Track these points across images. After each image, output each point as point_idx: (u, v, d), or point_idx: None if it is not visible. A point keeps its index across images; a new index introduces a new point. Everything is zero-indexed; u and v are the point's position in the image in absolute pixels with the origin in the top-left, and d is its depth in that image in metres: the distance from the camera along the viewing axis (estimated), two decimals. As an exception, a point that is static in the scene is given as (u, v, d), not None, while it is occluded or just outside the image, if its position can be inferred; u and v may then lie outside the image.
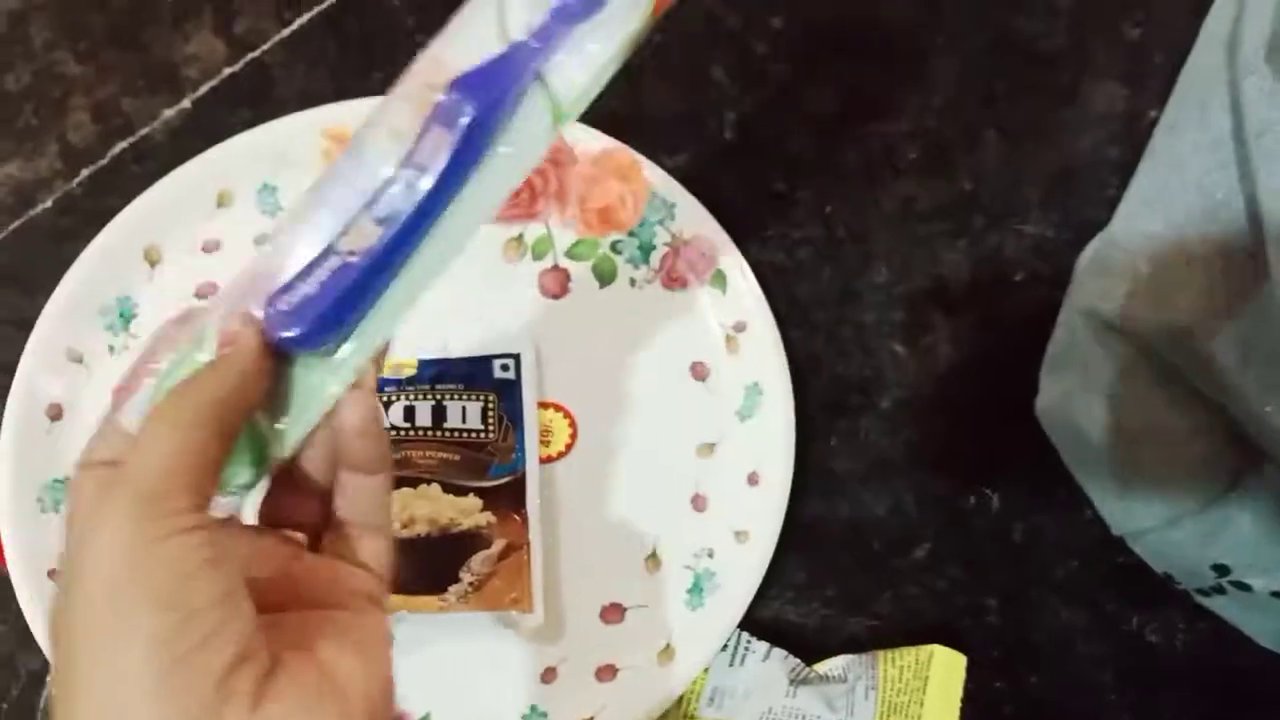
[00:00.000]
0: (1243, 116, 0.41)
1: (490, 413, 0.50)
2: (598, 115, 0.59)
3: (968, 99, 0.62)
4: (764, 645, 0.48)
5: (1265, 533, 0.43)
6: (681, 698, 0.48)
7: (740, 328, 0.53)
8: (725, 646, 0.48)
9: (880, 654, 0.48)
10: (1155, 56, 0.63)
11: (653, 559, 0.50)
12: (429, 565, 0.48)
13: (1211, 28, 0.45)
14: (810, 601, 0.51)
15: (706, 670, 0.48)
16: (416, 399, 0.51)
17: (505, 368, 0.51)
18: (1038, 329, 0.52)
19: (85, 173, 0.58)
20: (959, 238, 0.59)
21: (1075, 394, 0.49)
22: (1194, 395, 0.44)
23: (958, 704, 0.48)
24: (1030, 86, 0.62)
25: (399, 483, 0.49)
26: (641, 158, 0.56)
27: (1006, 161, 0.60)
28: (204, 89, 0.61)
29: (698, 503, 0.51)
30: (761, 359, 0.52)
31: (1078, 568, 0.52)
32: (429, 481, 0.50)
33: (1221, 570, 0.46)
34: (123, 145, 0.59)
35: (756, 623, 0.49)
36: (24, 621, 0.46)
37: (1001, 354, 0.56)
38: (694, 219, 0.55)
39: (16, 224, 0.57)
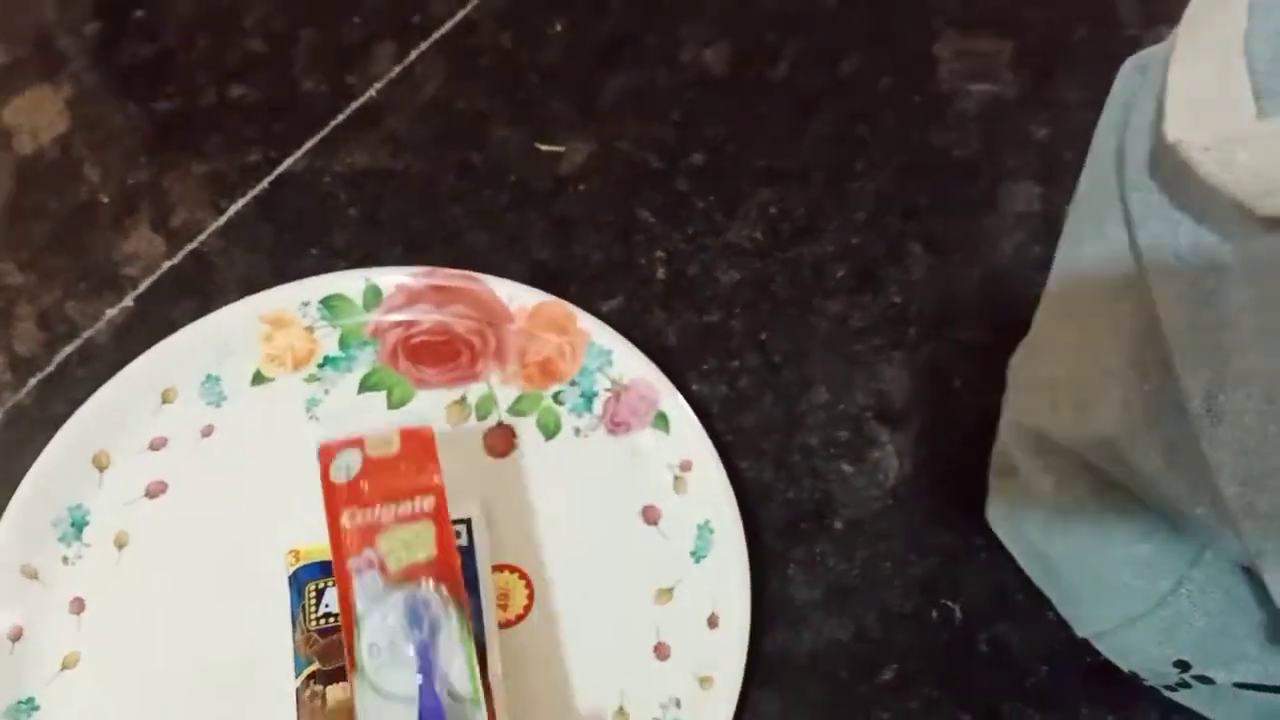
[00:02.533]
0: (1135, 229, 0.42)
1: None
2: (531, 267, 0.61)
3: (890, 214, 0.64)
4: (737, 793, 0.48)
5: (1216, 626, 0.43)
6: None
7: (686, 467, 0.54)
8: (699, 797, 0.47)
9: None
10: (1065, 153, 0.65)
11: (620, 714, 0.50)
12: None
13: (1100, 141, 0.46)
14: (784, 738, 0.51)
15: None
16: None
17: (457, 534, 0.51)
18: (982, 434, 0.53)
19: (33, 382, 0.59)
20: (895, 350, 0.60)
21: (1020, 504, 0.50)
22: (1131, 499, 0.44)
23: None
24: (949, 196, 0.64)
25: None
26: (575, 308, 0.57)
27: (933, 271, 0.62)
28: (144, 285, 0.62)
29: (660, 651, 0.51)
30: (709, 497, 0.52)
31: (1048, 673, 0.51)
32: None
33: (1183, 666, 0.45)
34: (68, 351, 0.60)
35: (730, 768, 0.49)
36: None
37: (949, 463, 0.57)
38: (632, 363, 0.56)
39: (-32, 439, 0.58)
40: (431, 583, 0.44)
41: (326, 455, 0.46)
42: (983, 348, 0.59)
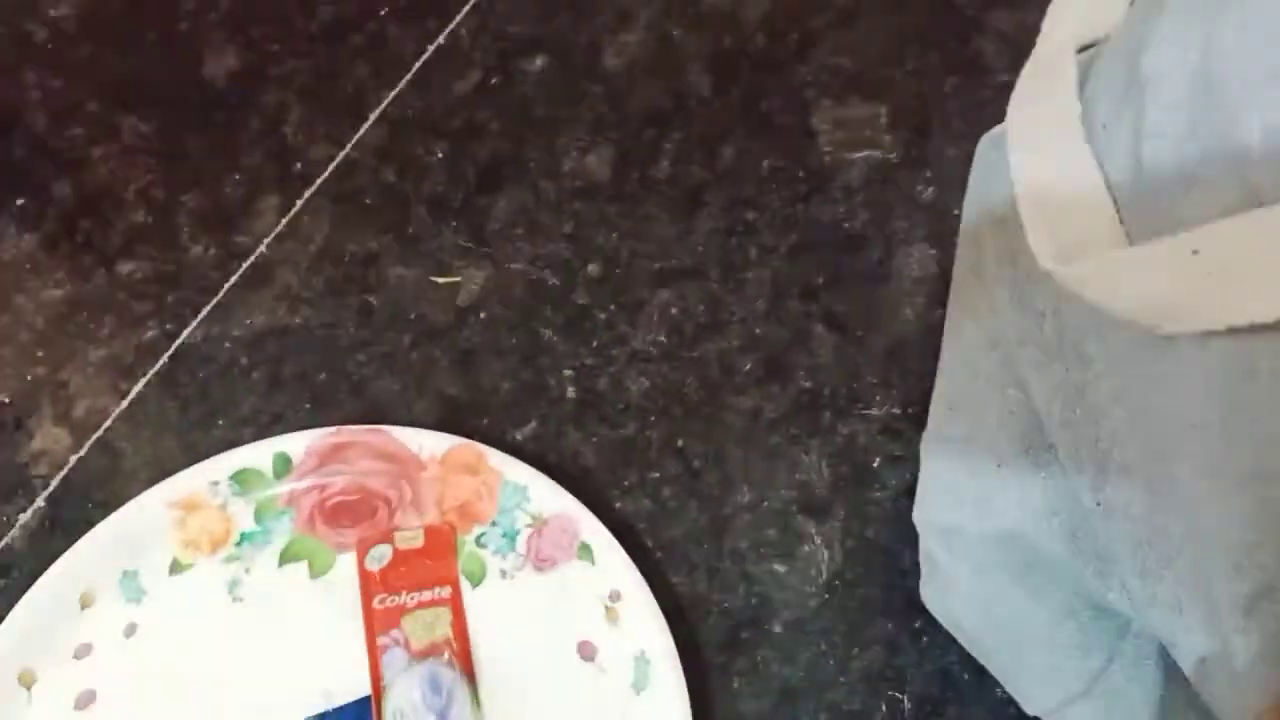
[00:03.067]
0: (1001, 318, 0.42)
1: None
2: (441, 404, 0.61)
3: (788, 297, 0.64)
4: None
5: (1154, 698, 0.43)
6: None
7: (616, 597, 0.53)
8: None
9: None
10: (954, 210, 0.66)
11: None
12: None
13: (966, 228, 0.46)
14: None
15: None
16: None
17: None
18: (908, 512, 0.53)
19: (-52, 604, 0.58)
20: (811, 438, 0.59)
21: (947, 590, 0.49)
22: (1049, 581, 0.44)
23: None
24: (845, 269, 0.64)
25: None
26: (484, 448, 0.57)
27: (839, 350, 0.62)
28: (54, 484, 0.61)
29: (614, 792, 0.50)
30: (641, 625, 0.52)
31: (1005, 754, 0.51)
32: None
33: (1133, 748, 0.45)
34: (-19, 567, 0.59)
35: None
36: None
37: (880, 548, 0.56)
38: (549, 497, 0.55)
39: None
40: (448, 656, 0.52)
41: (363, 547, 0.55)
42: (897, 421, 0.59)
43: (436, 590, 0.54)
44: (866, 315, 0.63)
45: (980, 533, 0.43)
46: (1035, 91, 0.40)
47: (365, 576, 0.54)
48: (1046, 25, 0.42)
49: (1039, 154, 0.39)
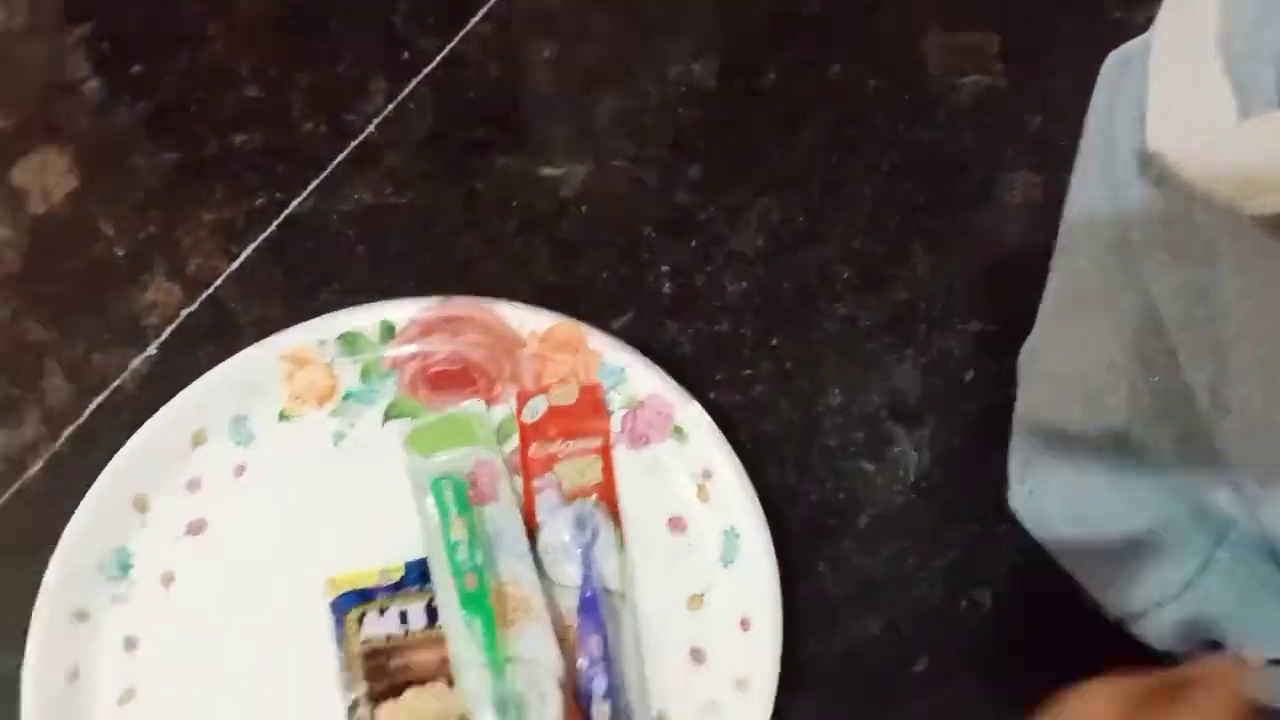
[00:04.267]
0: (1127, 226, 0.43)
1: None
2: (541, 290, 0.62)
3: (889, 214, 0.65)
4: (781, 791, 0.49)
5: (1246, 605, 0.44)
6: None
7: (708, 476, 0.55)
8: (744, 797, 0.48)
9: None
10: (1060, 141, 0.66)
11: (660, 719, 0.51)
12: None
13: (1089, 137, 0.47)
14: (822, 734, 0.52)
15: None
16: (408, 602, 0.52)
17: None
18: (999, 425, 0.54)
19: (67, 433, 0.60)
20: (905, 348, 0.61)
21: (1041, 493, 0.50)
22: (1151, 486, 0.45)
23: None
24: (947, 191, 0.65)
25: (404, 686, 0.50)
26: (585, 328, 0.58)
27: (937, 267, 0.63)
28: (166, 333, 0.63)
29: (695, 656, 0.52)
30: (733, 504, 0.53)
31: (1080, 656, 0.52)
32: (435, 679, 0.50)
33: (1214, 645, 0.46)
34: (97, 401, 0.61)
35: (772, 767, 0.50)
36: None
37: (968, 455, 0.58)
38: (645, 379, 0.57)
39: (9, 493, 0.59)
40: (595, 499, 0.55)
41: (521, 399, 0.58)
42: (993, 338, 0.60)
43: (588, 441, 0.57)
44: (965, 236, 0.64)
45: (1086, 433, 0.44)
46: (1179, 4, 0.41)
47: (523, 427, 0.57)
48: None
49: (1175, 56, 0.39)
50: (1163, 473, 0.43)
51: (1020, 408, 0.50)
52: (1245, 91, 0.36)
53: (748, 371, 0.60)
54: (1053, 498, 0.48)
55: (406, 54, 0.73)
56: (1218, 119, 0.37)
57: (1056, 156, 0.65)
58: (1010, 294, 0.61)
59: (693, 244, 0.65)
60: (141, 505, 0.55)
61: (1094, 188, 0.46)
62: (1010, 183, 0.65)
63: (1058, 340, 0.47)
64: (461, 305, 0.59)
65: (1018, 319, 0.53)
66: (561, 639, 0.51)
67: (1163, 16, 0.43)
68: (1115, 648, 0.51)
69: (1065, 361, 0.46)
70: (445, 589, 0.52)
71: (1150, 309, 0.42)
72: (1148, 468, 0.44)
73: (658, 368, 0.57)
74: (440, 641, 0.51)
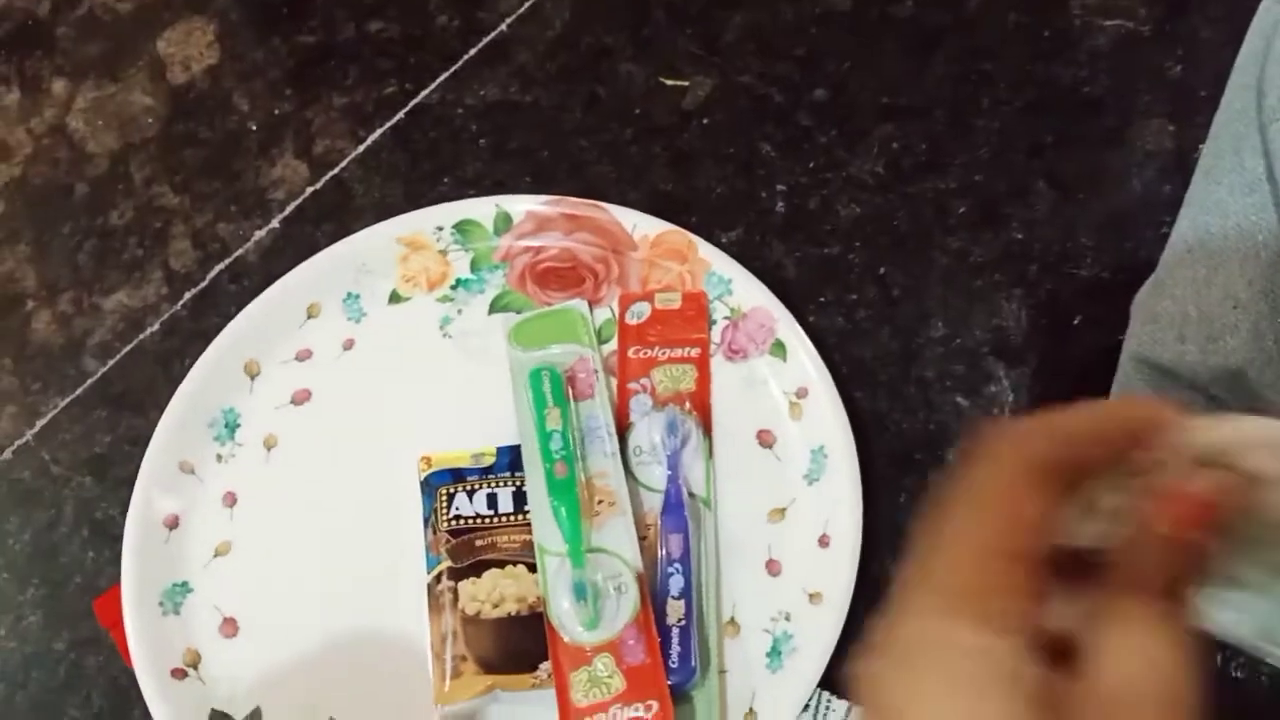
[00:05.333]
0: (1274, 160, 0.42)
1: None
2: (654, 198, 0.62)
3: (1014, 151, 0.63)
4: (844, 704, 0.49)
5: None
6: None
7: (802, 394, 0.55)
8: (807, 707, 0.49)
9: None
10: (1199, 91, 0.64)
11: (731, 624, 0.52)
12: (520, 644, 0.51)
13: (1239, 73, 0.46)
14: (891, 657, 0.52)
15: (791, 731, 0.49)
16: (498, 486, 0.54)
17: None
18: (1100, 372, 0.53)
19: (188, 296, 0.63)
20: (1015, 287, 0.60)
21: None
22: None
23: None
24: (1077, 133, 0.63)
25: (486, 565, 0.52)
26: (696, 237, 0.59)
27: (1057, 208, 0.61)
28: (290, 208, 0.65)
29: (771, 567, 0.53)
30: (824, 423, 0.54)
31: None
32: (515, 563, 0.52)
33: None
34: (219, 268, 0.64)
35: (838, 682, 0.50)
36: (149, 717, 0.50)
37: (1066, 400, 0.56)
38: (750, 292, 0.57)
39: (127, 349, 0.62)
40: (688, 406, 0.55)
41: (625, 301, 0.59)
42: (1105, 286, 0.59)
43: (686, 349, 0.57)
44: (1091, 180, 0.62)
45: (1201, 373, 0.43)
46: None
47: (624, 329, 0.58)
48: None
49: None
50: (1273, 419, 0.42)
51: (1130, 345, 0.49)
52: None
53: (853, 296, 0.60)
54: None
55: (547, -46, 0.73)
56: None
57: (1193, 107, 0.63)
58: (1128, 242, 0.60)
59: (810, 165, 0.64)
60: (252, 370, 0.58)
61: (1239, 123, 0.45)
62: (1144, 129, 0.63)
63: (1180, 278, 0.46)
64: (577, 204, 0.60)
65: (1133, 269, 0.52)
66: (642, 538, 0.52)
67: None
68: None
69: (1187, 298, 0.45)
70: (535, 475, 0.53)
71: None
72: (1259, 414, 0.43)
73: (763, 284, 0.57)
74: (525, 528, 0.53)
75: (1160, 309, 0.47)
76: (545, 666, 0.50)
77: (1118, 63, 0.65)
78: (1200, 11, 0.67)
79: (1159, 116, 0.63)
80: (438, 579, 0.51)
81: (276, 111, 0.69)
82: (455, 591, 0.51)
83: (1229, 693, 0.50)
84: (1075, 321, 0.58)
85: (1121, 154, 0.62)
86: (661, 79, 0.68)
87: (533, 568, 0.52)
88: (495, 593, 0.52)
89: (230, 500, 0.55)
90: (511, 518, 0.53)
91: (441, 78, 0.70)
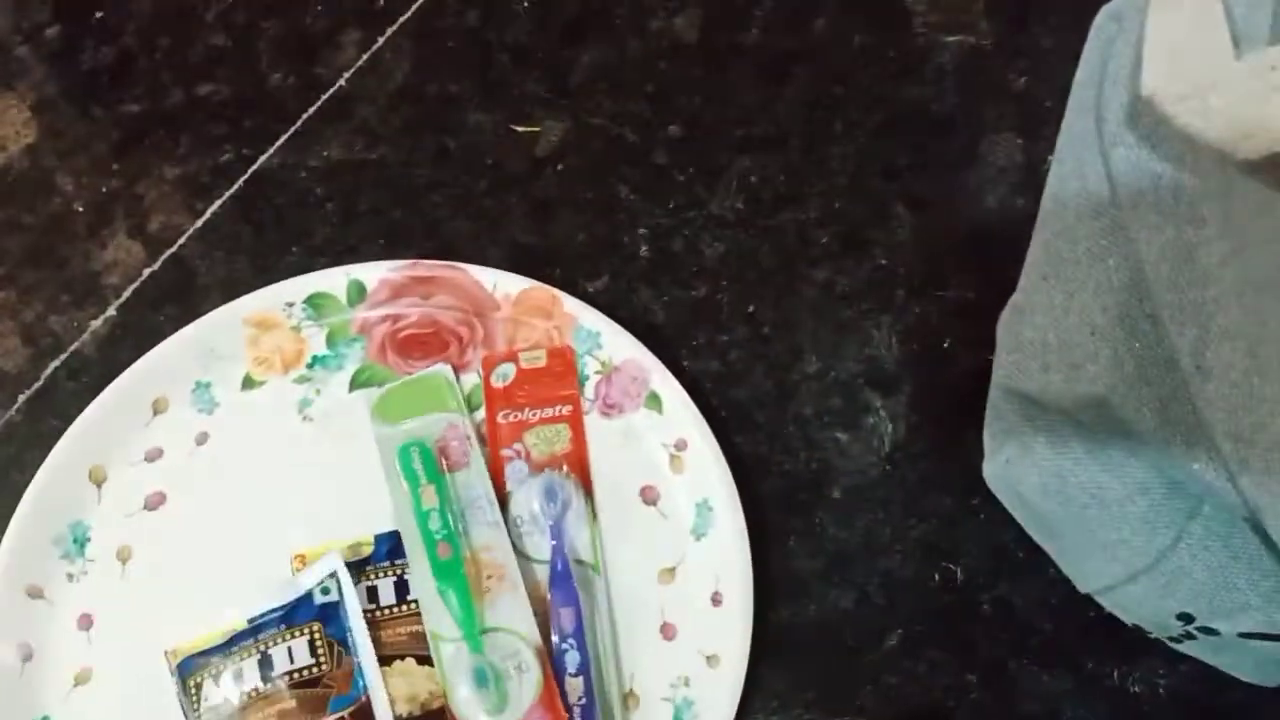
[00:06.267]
0: (1117, 185, 0.42)
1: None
2: (514, 252, 0.61)
3: (871, 175, 0.63)
4: (751, 766, 0.49)
5: (1218, 579, 0.44)
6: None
7: (682, 446, 0.54)
8: (715, 773, 0.48)
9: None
10: (1045, 102, 0.65)
11: (631, 695, 0.50)
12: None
13: (1078, 94, 0.46)
14: (793, 709, 0.51)
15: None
16: (378, 578, 0.51)
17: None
18: (976, 394, 0.53)
19: (22, 398, 0.59)
20: (883, 314, 0.59)
21: (1016, 464, 0.50)
22: (1126, 456, 0.44)
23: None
24: (930, 152, 0.64)
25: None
26: (560, 293, 0.57)
27: (918, 230, 0.61)
28: (126, 294, 0.62)
29: (666, 631, 0.51)
30: (706, 475, 0.53)
31: (1052, 631, 0.52)
32: (402, 657, 0.50)
33: (1186, 618, 0.46)
34: (55, 365, 0.60)
35: (742, 743, 0.49)
36: None
37: (944, 425, 0.57)
38: (620, 344, 0.56)
39: (-39, 459, 0.58)
40: (565, 469, 0.54)
41: (489, 364, 0.56)
42: (972, 305, 0.59)
43: (558, 408, 0.55)
44: (948, 199, 0.62)
45: (1066, 401, 0.44)
46: None
47: (490, 393, 0.56)
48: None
49: (1174, 10, 0.38)
50: (1141, 442, 0.43)
51: (997, 375, 0.49)
52: (1241, 36, 0.36)
53: (724, 338, 0.59)
54: (1028, 468, 0.48)
55: (382, 2, 0.71)
56: (1212, 61, 0.37)
57: (1040, 119, 0.64)
58: (990, 261, 0.60)
59: (670, 205, 0.63)
60: (98, 477, 0.54)
61: (1081, 147, 0.45)
62: (994, 145, 0.63)
63: (1038, 305, 0.46)
64: (433, 267, 0.58)
65: (998, 286, 0.52)
66: (535, 612, 0.50)
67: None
68: (1087, 622, 0.51)
69: (1045, 327, 0.46)
70: (418, 560, 0.51)
71: (1135, 272, 0.41)
72: (1126, 437, 0.43)
73: (632, 335, 0.56)
74: (411, 618, 0.50)
75: (1023, 337, 0.47)
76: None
77: (963, 79, 0.66)
78: (1041, 23, 0.67)
79: (1008, 131, 0.64)
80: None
81: (104, 189, 0.65)
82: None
83: (1128, 707, 0.51)
84: (946, 345, 0.58)
85: (975, 171, 0.63)
86: (512, 126, 0.66)
87: (421, 660, 0.49)
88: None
89: (86, 622, 0.52)
90: (395, 610, 0.51)
91: (281, 140, 0.67)
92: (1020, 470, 0.49)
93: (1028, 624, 0.52)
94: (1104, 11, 0.46)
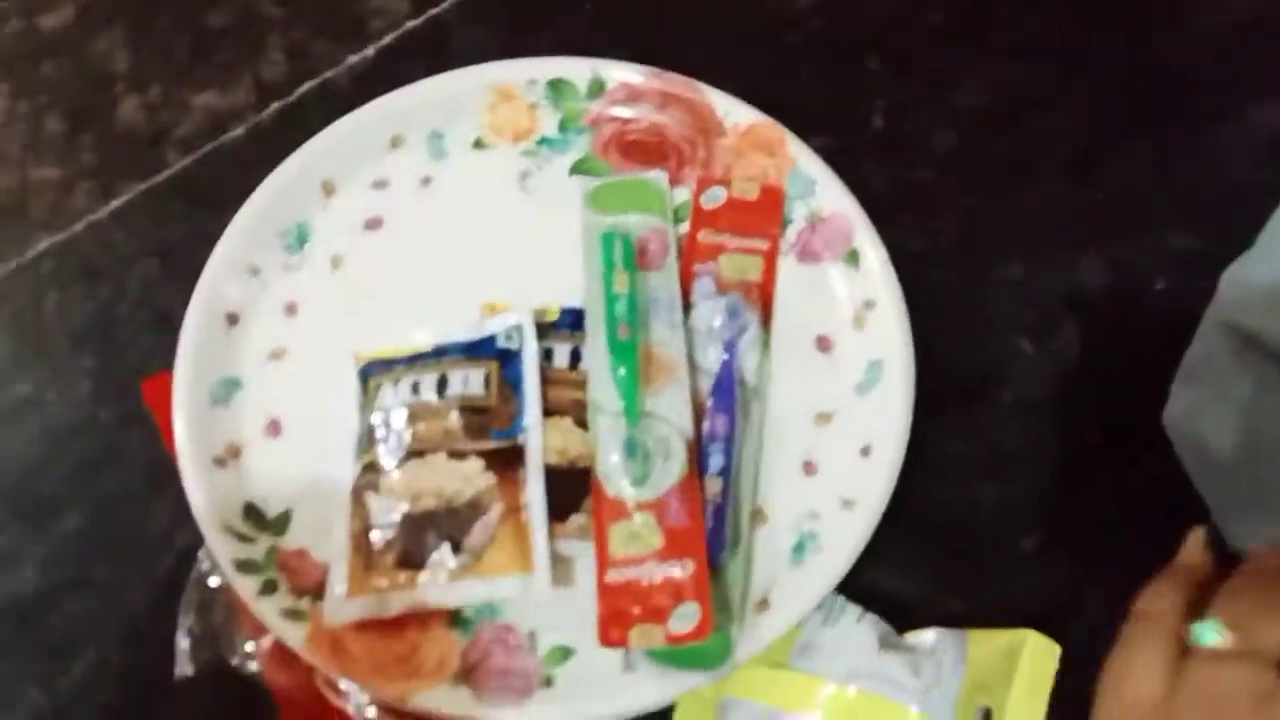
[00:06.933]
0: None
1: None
2: (751, 91, 0.61)
3: (1124, 106, 0.62)
4: (858, 608, 0.50)
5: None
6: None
7: (869, 305, 0.55)
8: (820, 606, 0.49)
9: (971, 633, 0.49)
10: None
11: (759, 514, 0.52)
12: (551, 494, 0.51)
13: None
14: (910, 576, 0.52)
15: (800, 624, 0.49)
16: (557, 342, 0.54)
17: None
18: (1172, 339, 0.52)
19: (274, 106, 0.63)
20: (1102, 240, 0.59)
21: (1207, 407, 0.49)
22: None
23: (1046, 694, 0.48)
24: (1188, 102, 0.62)
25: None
26: (788, 133, 0.58)
27: (1159, 171, 0.60)
28: (386, 39, 0.65)
29: (809, 469, 0.53)
30: (887, 337, 0.53)
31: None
32: (563, 414, 0.52)
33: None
34: (309, 85, 0.63)
35: (855, 588, 0.50)
36: (183, 502, 0.51)
37: (1132, 361, 0.56)
38: (833, 196, 0.57)
39: (210, 146, 0.62)
40: (753, 297, 0.55)
41: (703, 184, 0.58)
42: (1193, 254, 0.58)
43: (757, 240, 0.57)
44: (1197, 148, 0.61)
45: (1280, 342, 0.43)
46: None
47: (697, 211, 0.57)
48: None
49: None
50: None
51: (1219, 313, 0.48)
52: None
53: (935, 223, 0.59)
54: (1222, 408, 0.47)
55: None
56: None
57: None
58: (1225, 217, 0.58)
59: (915, 87, 0.63)
60: (329, 189, 0.58)
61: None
62: (1256, 111, 0.61)
63: (1276, 251, 0.45)
64: (673, 81, 0.59)
65: (1224, 243, 0.50)
66: (697, 410, 0.52)
67: None
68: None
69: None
70: (597, 335, 0.53)
71: None
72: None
73: (847, 189, 0.57)
74: (577, 384, 0.53)
75: (1257, 277, 0.46)
76: (575, 519, 0.50)
77: (1238, 43, 0.63)
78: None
79: (1273, 100, 0.62)
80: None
81: (384, -59, 0.68)
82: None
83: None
84: (1158, 285, 0.57)
85: (1231, 128, 0.61)
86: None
87: (579, 423, 0.52)
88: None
89: (291, 309, 0.56)
90: (567, 372, 0.53)
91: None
92: (1211, 413, 0.48)
93: (1163, 562, 0.51)
94: None
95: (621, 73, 0.60)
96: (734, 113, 0.59)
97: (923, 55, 0.64)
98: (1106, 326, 0.57)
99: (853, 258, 0.56)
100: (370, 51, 0.65)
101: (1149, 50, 0.63)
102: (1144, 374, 0.54)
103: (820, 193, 0.57)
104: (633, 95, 0.60)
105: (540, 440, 0.51)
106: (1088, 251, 0.58)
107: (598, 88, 0.60)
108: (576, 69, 0.60)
